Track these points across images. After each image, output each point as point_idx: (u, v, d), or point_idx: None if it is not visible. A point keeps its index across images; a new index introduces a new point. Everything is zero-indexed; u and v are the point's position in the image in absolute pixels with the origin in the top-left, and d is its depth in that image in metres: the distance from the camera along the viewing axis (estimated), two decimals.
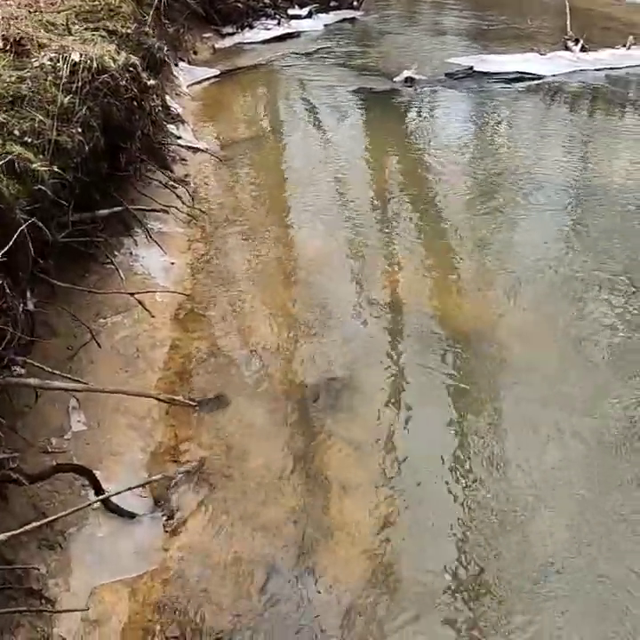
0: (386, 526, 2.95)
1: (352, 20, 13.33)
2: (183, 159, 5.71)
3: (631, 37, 10.36)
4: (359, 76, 9.00)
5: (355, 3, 13.69)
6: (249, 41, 11.30)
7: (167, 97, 6.87)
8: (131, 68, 4.18)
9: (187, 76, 8.69)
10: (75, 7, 5.75)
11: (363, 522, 2.96)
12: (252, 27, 11.80)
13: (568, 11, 10.63)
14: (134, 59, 4.32)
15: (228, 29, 11.57)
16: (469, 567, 2.80)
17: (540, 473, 3.16)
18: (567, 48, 9.97)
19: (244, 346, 4.00)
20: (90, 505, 2.81)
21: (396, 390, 3.67)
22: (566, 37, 10.20)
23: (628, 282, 4.46)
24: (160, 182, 5.02)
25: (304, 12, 12.86)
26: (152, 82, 4.48)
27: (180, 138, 6.03)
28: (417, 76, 8.49)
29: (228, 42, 11.27)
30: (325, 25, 12.74)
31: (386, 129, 7.07)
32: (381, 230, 5.19)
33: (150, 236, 4.44)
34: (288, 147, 6.64)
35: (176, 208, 4.87)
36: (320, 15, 13.02)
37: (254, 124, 7.29)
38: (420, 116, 7.69)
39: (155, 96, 5.90)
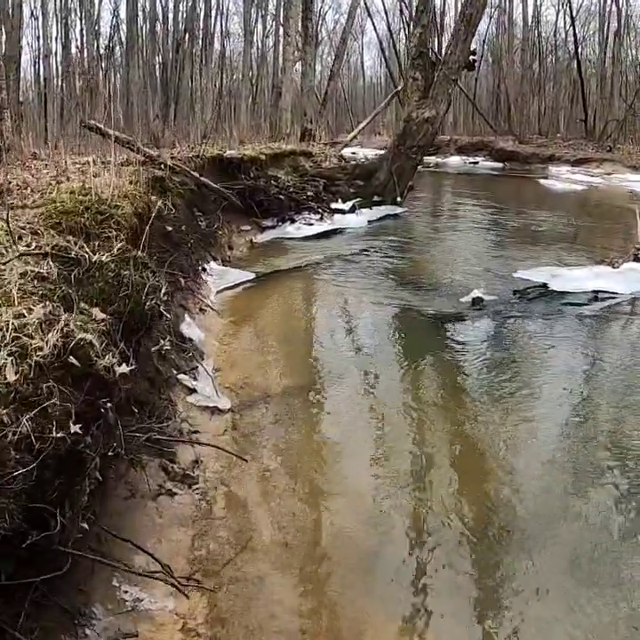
0: None
1: (395, 216, 12.15)
2: (194, 433, 3.78)
3: None
4: (414, 292, 7.18)
5: (398, 199, 12.71)
6: (290, 236, 9.96)
7: (185, 321, 5.14)
8: (75, 353, 2.29)
9: (217, 280, 7.13)
10: (54, 203, 4.13)
11: None
12: (293, 220, 10.56)
13: (638, 217, 9.18)
14: (88, 336, 2.40)
15: (268, 222, 10.32)
16: None
17: None
18: (638, 259, 8.40)
19: None
20: None
21: None
22: (638, 247, 8.68)
23: None
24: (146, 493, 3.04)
25: (347, 206, 11.73)
26: (123, 368, 2.54)
27: (194, 392, 4.16)
28: (486, 297, 6.82)
29: (267, 236, 9.97)
30: (369, 221, 11.51)
31: (456, 382, 4.97)
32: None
33: None
34: (331, 414, 4.32)
35: (165, 574, 2.64)
36: (363, 210, 11.88)
37: (293, 365, 5.07)
38: (499, 366, 5.14)
39: (164, 333, 4.14)
